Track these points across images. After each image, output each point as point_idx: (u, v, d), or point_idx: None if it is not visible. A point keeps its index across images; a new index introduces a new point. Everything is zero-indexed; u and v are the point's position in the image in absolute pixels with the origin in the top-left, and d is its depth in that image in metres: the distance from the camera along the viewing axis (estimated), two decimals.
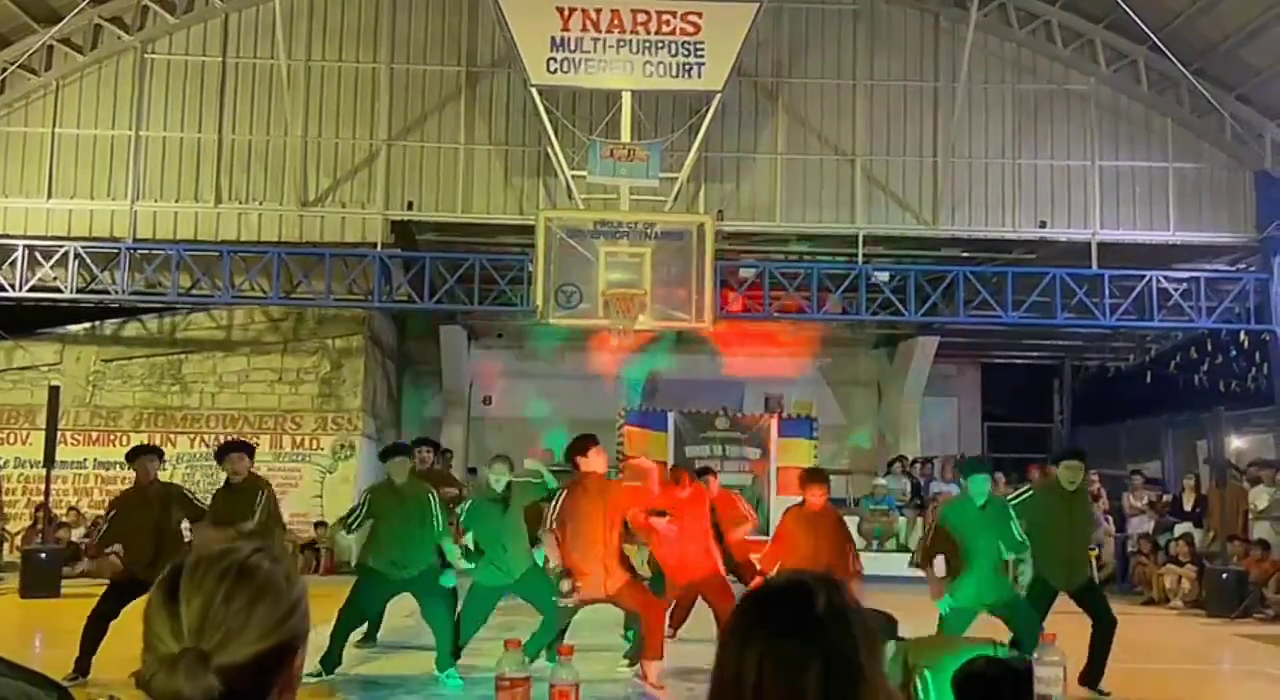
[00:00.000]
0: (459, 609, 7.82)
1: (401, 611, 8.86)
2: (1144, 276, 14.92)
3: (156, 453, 8.21)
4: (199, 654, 1.23)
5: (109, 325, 16.07)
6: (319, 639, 7.17)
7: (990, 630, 6.66)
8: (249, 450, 8.08)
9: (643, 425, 15.58)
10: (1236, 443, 16.27)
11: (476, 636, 7.68)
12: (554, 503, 7.14)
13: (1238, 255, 15.96)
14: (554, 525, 6.97)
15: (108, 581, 7.86)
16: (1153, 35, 14.11)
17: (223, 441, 8.12)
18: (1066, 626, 7.19)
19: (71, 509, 14.89)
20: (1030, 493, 7.80)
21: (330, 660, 7.31)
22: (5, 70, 14.85)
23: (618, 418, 15.91)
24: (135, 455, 8.01)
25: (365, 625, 8.32)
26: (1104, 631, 7.31)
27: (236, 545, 1.35)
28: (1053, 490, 7.61)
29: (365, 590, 7.63)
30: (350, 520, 7.90)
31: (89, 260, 14.60)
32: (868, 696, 1.37)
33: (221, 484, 8.06)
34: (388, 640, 8.78)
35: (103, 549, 8.26)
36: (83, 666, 7.00)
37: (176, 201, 15.14)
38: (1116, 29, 15.08)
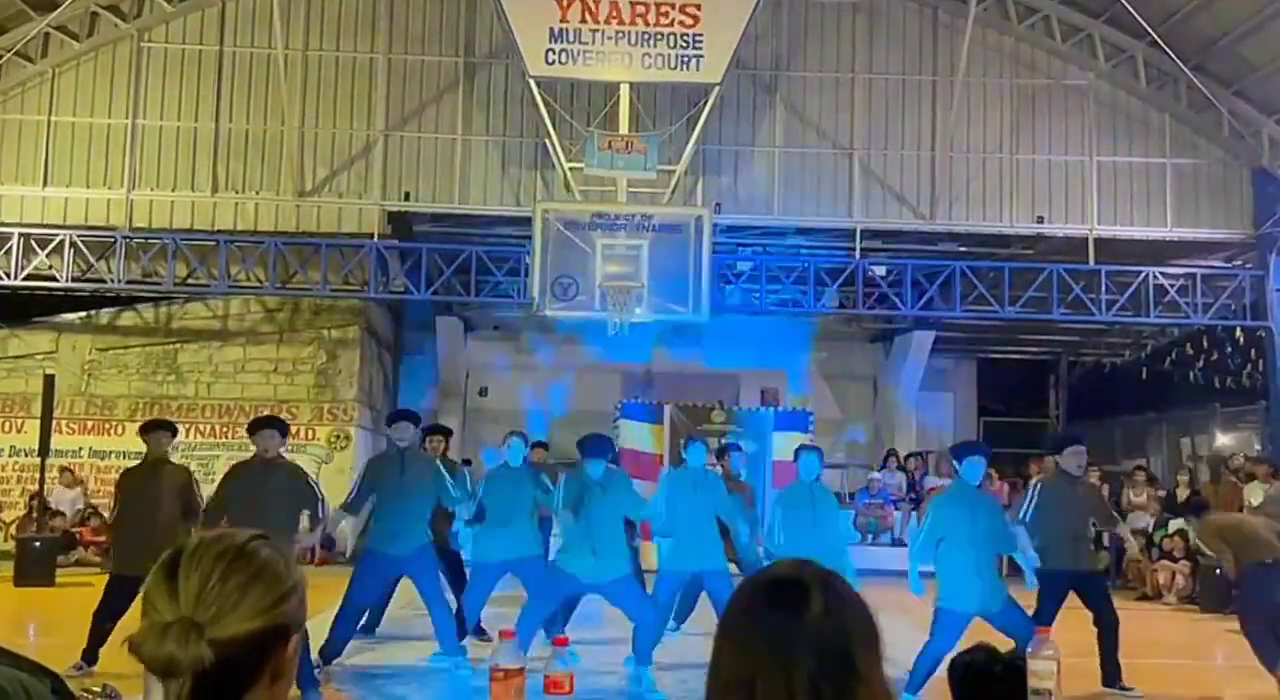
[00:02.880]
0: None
1: (399, 602, 8.86)
2: (1140, 272, 14.95)
3: (169, 428, 7.99)
4: (192, 623, 1.27)
5: (104, 314, 16.04)
6: (319, 631, 7.17)
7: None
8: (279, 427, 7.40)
9: (638, 418, 15.56)
10: (1223, 439, 16.31)
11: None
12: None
13: (1234, 252, 15.98)
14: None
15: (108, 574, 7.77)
16: (1151, 31, 14.11)
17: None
18: (1065, 621, 7.23)
19: (34, 496, 13.81)
20: (1039, 486, 7.79)
21: (329, 650, 7.28)
22: (1, 57, 14.79)
23: (614, 410, 15.90)
24: (148, 429, 7.85)
25: (365, 615, 8.28)
26: (1105, 630, 7.26)
27: (234, 531, 1.38)
28: (1057, 477, 7.54)
29: (363, 573, 7.60)
30: (350, 500, 7.84)
31: (85, 249, 14.56)
32: (862, 694, 1.36)
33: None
34: (384, 631, 8.79)
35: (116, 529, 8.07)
36: (90, 656, 6.93)
37: (173, 190, 15.10)
38: (1115, 24, 15.07)
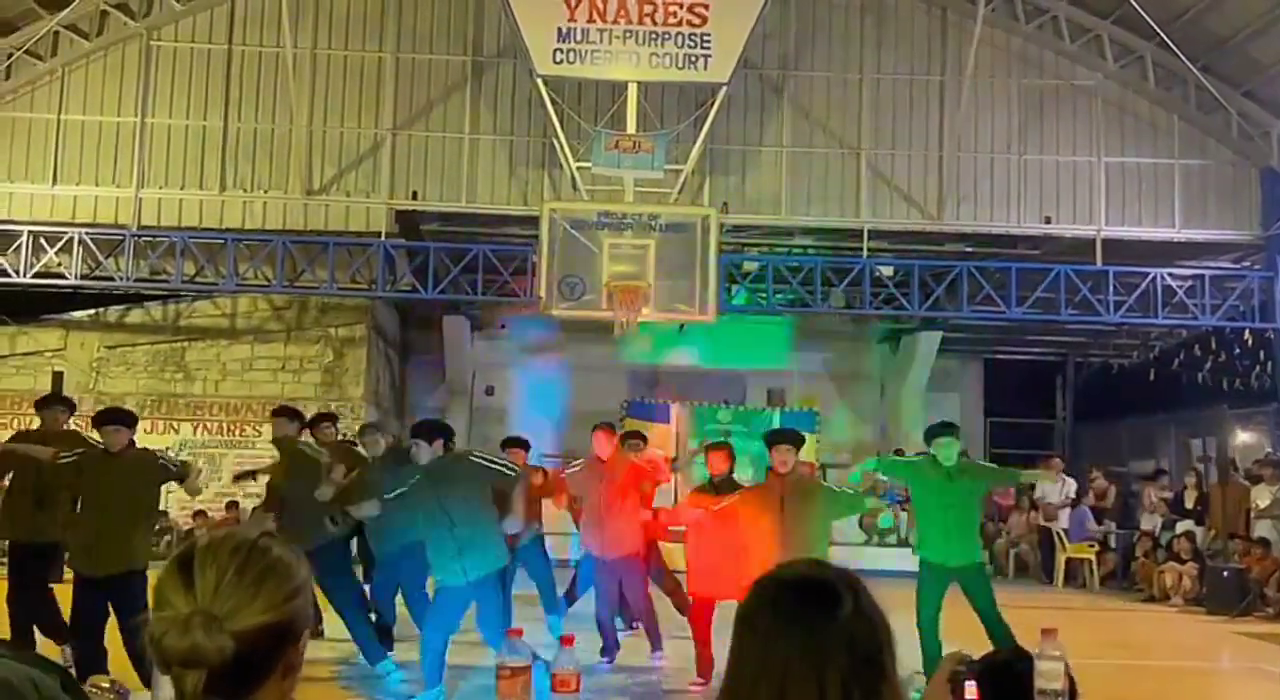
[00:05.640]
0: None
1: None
2: (1148, 273, 14.91)
3: (67, 404, 7.70)
4: (211, 616, 1.30)
5: (113, 312, 16.08)
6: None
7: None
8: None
9: (645, 417, 15.57)
10: (1243, 438, 16.24)
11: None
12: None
13: (1243, 253, 15.94)
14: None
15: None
16: (1160, 31, 14.07)
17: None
18: (1073, 622, 7.20)
19: None
20: (913, 462, 7.82)
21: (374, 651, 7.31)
22: (11, 56, 14.85)
23: (620, 409, 15.90)
24: (43, 404, 7.57)
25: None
26: (990, 629, 6.74)
27: (245, 529, 1.41)
28: (932, 466, 7.20)
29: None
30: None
31: (94, 246, 14.60)
32: (886, 693, 1.37)
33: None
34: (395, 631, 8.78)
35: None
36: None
37: (181, 188, 15.14)
38: (1124, 24, 15.04)
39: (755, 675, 1.37)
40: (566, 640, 2.83)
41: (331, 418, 9.53)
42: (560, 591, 8.67)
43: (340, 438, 9.43)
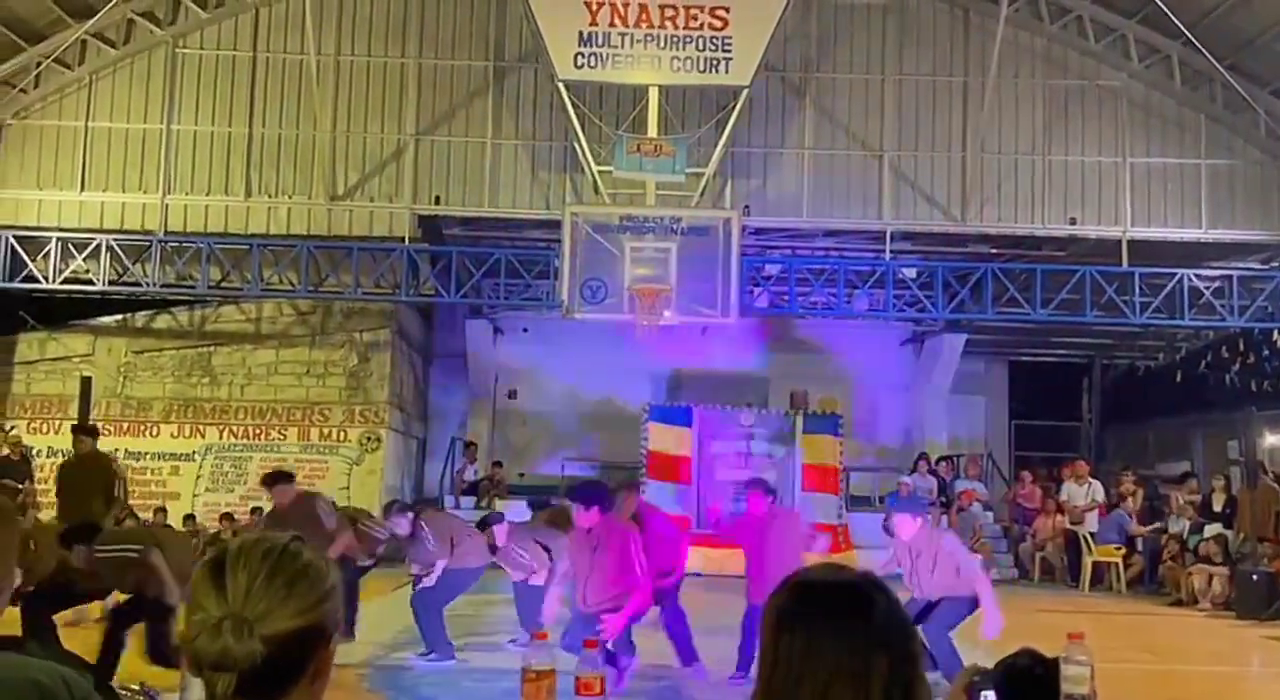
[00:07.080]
0: None
1: None
2: (1175, 275, 14.77)
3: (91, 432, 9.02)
4: (243, 619, 1.31)
5: (140, 317, 16.23)
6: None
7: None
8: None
9: (667, 420, 15.54)
10: (1271, 440, 16.08)
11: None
12: None
13: (1271, 253, 15.78)
14: None
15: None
16: (1186, 31, 13.96)
17: None
18: (1094, 625, 7.16)
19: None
20: None
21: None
22: (39, 64, 15.02)
23: (642, 412, 15.89)
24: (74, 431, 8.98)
25: None
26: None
27: (277, 533, 1.43)
28: None
29: None
30: None
31: (121, 252, 14.75)
32: (921, 691, 1.39)
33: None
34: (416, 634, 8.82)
35: None
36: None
37: (207, 195, 15.28)
38: (1149, 24, 14.93)
39: (798, 676, 1.39)
40: (589, 643, 2.84)
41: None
42: None
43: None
